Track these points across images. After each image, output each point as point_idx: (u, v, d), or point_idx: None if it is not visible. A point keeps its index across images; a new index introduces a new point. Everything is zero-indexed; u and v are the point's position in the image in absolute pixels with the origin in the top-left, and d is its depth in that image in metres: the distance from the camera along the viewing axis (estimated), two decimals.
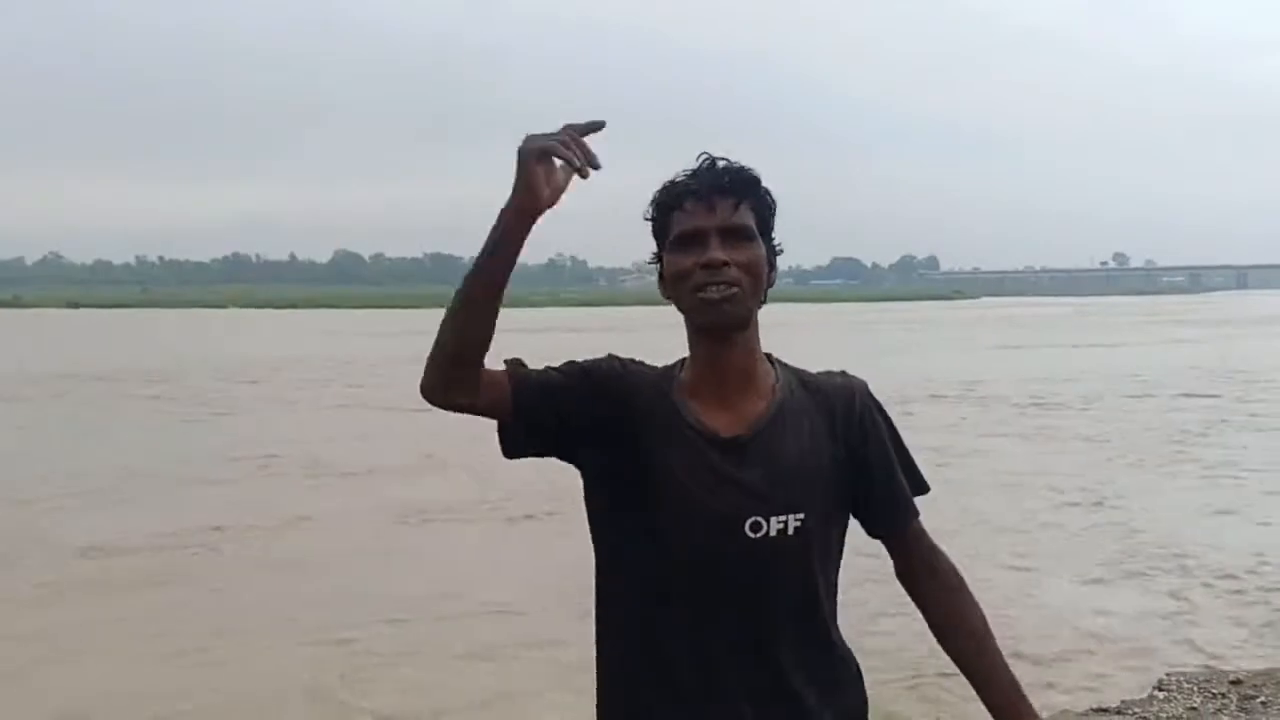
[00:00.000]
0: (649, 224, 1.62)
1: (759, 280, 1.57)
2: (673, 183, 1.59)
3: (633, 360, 1.67)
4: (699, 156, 1.58)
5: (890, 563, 1.72)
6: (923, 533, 1.70)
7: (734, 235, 1.54)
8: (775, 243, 1.61)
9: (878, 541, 1.71)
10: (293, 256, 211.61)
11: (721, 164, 1.57)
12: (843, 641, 1.65)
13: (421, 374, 1.53)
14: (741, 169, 1.57)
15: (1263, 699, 4.93)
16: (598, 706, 1.66)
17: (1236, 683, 5.16)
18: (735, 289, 1.53)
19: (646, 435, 1.57)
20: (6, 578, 7.27)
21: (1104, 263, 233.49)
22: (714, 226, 1.53)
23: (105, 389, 19.83)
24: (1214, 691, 5.06)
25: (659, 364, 1.67)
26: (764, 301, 1.60)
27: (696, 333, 1.59)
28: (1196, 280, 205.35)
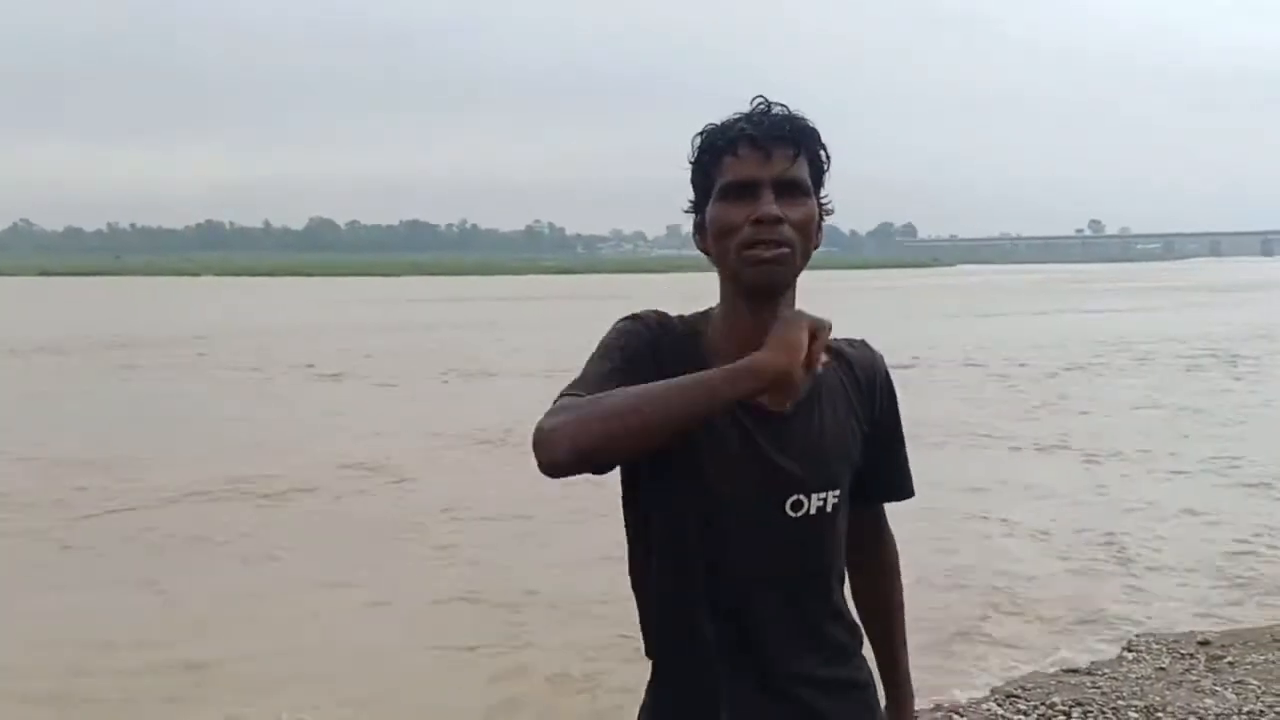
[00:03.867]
0: (690, 168, 1.48)
1: (809, 240, 1.45)
2: (725, 124, 1.45)
3: (656, 318, 1.51)
4: (754, 100, 1.45)
5: None
6: (884, 511, 1.71)
7: (790, 189, 1.42)
8: (825, 200, 1.48)
9: None
10: (267, 224, 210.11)
11: (779, 110, 1.44)
12: (848, 610, 1.62)
13: (563, 427, 1.33)
14: (802, 118, 1.45)
15: (1230, 659, 4.99)
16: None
17: (1204, 643, 5.22)
18: (786, 249, 1.41)
19: None
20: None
21: (1079, 230, 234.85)
22: (769, 178, 1.41)
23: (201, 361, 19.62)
24: (1182, 652, 5.12)
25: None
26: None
27: (737, 292, 1.46)
28: (1170, 247, 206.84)
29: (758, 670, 1.49)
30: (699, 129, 1.48)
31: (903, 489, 1.67)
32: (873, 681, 1.62)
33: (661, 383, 1.33)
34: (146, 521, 7.90)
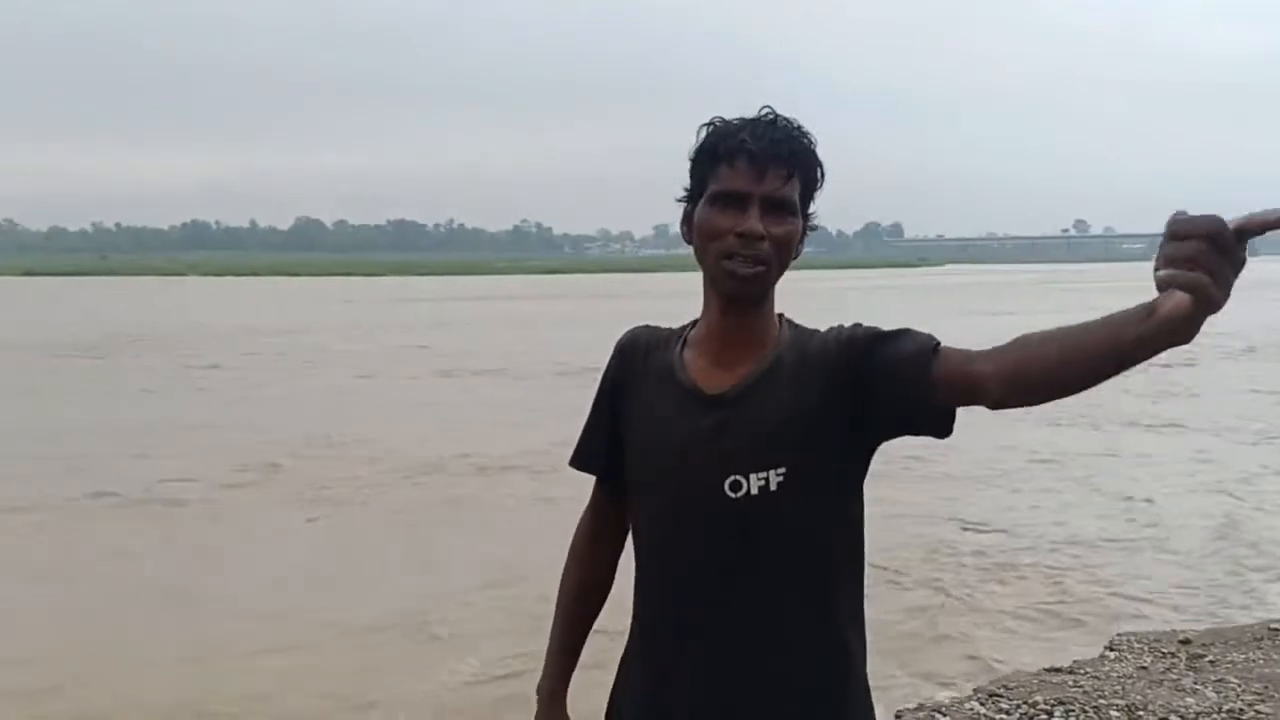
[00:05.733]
0: (689, 160, 1.52)
1: (788, 256, 1.49)
2: (728, 130, 1.47)
3: (629, 335, 1.66)
4: (761, 109, 1.48)
5: None
6: (956, 357, 1.37)
7: (777, 208, 1.45)
8: (811, 214, 1.52)
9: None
10: (253, 223, 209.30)
11: (783, 125, 1.47)
12: (848, 617, 1.52)
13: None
14: (802, 137, 1.48)
15: (1210, 658, 5.03)
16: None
17: (1185, 642, 5.26)
18: (763, 267, 1.46)
19: (637, 397, 1.59)
20: None
21: (1065, 230, 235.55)
22: (760, 194, 1.44)
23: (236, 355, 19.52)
24: (1164, 651, 5.16)
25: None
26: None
27: (713, 292, 1.54)
28: (1154, 247, 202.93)
29: (700, 655, 1.50)
30: (705, 120, 1.51)
31: (919, 362, 1.39)
32: (826, 695, 1.51)
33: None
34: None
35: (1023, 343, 1.28)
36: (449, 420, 12.31)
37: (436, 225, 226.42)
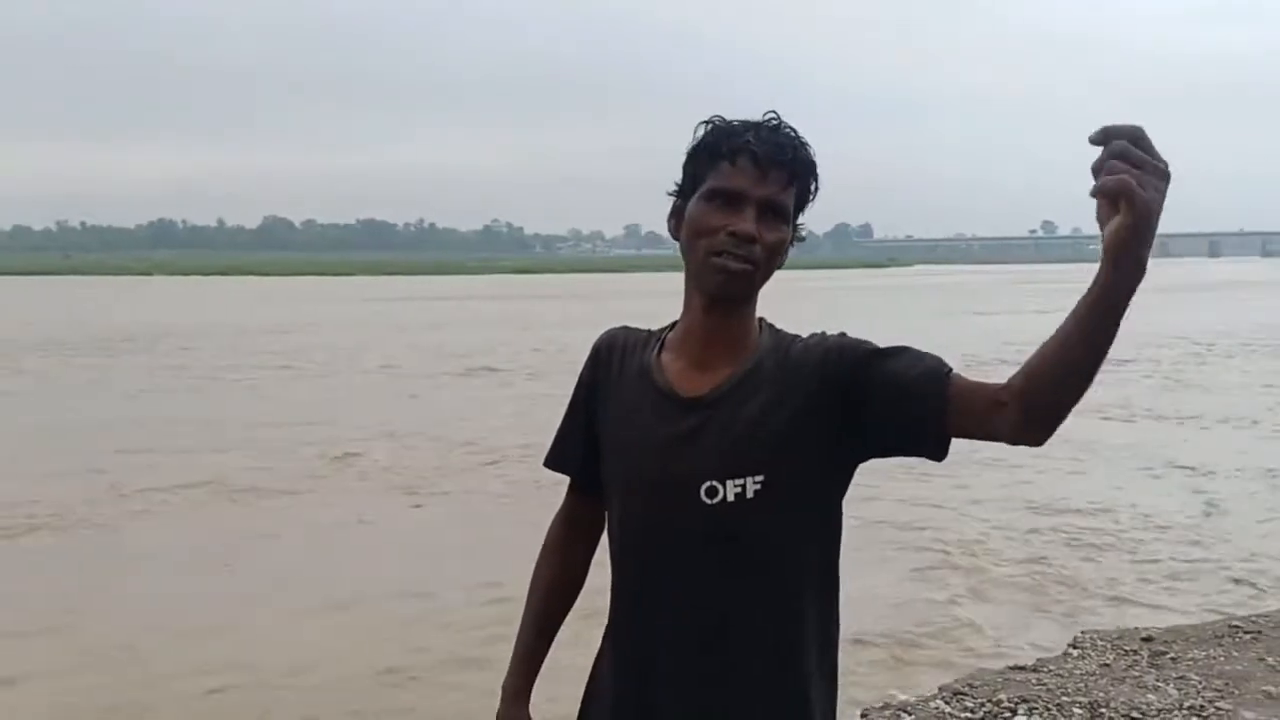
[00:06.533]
0: (686, 155, 1.51)
1: (775, 263, 1.49)
2: (732, 129, 1.47)
3: (607, 336, 1.65)
4: (766, 114, 1.47)
5: None
6: (971, 381, 1.38)
7: (772, 213, 1.45)
8: (800, 224, 1.52)
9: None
10: (221, 222, 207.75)
11: (786, 131, 1.47)
12: (817, 635, 1.49)
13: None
14: (805, 146, 1.48)
15: (1172, 655, 5.07)
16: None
17: (1148, 640, 5.30)
18: (751, 268, 1.45)
19: (614, 399, 1.58)
20: None
21: (1033, 231, 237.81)
22: (758, 196, 1.44)
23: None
24: (1126, 649, 5.19)
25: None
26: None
27: (697, 290, 1.51)
28: None
29: (670, 659, 1.49)
30: (705, 119, 1.51)
31: (923, 439, 1.41)
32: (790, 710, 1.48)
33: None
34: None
35: (1029, 365, 1.30)
36: (521, 414, 12.25)
37: (407, 225, 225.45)
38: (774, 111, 1.48)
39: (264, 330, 25.43)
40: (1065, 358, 1.25)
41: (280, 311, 33.61)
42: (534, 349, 20.13)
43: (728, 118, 1.50)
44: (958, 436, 1.39)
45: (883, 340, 1.49)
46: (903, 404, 1.38)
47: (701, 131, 1.50)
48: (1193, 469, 9.54)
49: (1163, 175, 1.14)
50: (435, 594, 6.23)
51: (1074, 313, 1.23)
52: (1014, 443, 1.34)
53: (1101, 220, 1.16)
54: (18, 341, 21.77)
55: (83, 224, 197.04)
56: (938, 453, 1.41)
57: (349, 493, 8.84)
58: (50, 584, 6.49)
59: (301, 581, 6.56)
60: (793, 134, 1.47)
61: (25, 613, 5.92)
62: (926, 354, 1.42)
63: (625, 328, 1.67)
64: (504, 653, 1.74)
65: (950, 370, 1.39)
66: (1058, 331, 1.26)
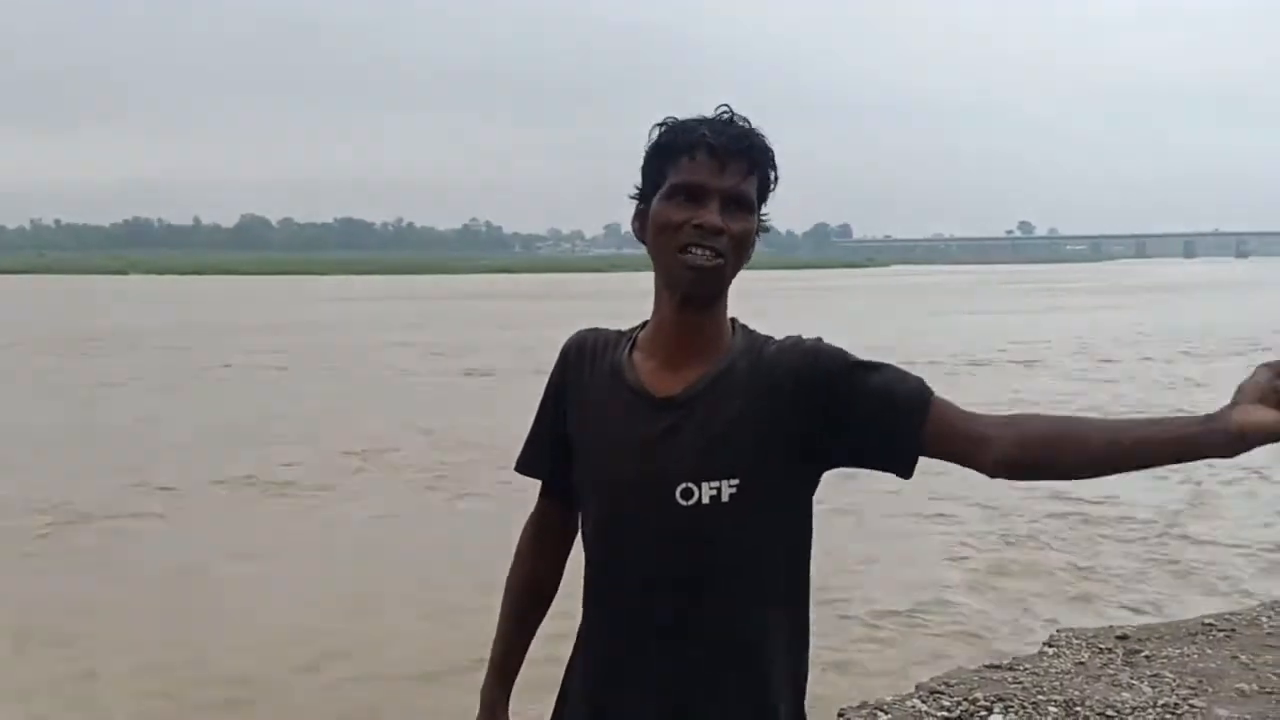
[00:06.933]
0: (644, 156, 1.50)
1: (743, 254, 1.48)
2: (686, 126, 1.46)
3: (576, 338, 1.62)
4: (718, 108, 1.47)
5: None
6: (955, 408, 1.42)
7: (736, 203, 1.44)
8: (764, 216, 1.51)
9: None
10: (197, 221, 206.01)
11: (740, 122, 1.47)
12: (788, 639, 1.49)
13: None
14: (760, 135, 1.47)
15: (1146, 653, 5.10)
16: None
17: (1123, 638, 5.33)
18: (721, 260, 1.44)
19: (585, 400, 1.55)
20: None
21: (1010, 231, 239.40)
22: (719, 188, 1.43)
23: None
24: (1101, 647, 5.22)
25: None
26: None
27: (668, 291, 1.49)
28: (1097, 248, 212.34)
29: (642, 661, 1.48)
30: (658, 120, 1.50)
31: (896, 455, 1.44)
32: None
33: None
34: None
35: (1051, 420, 1.37)
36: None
37: (385, 224, 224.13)
38: (726, 105, 1.48)
39: (255, 329, 25.23)
40: (1096, 456, 1.31)
41: (265, 310, 33.47)
42: (531, 349, 20.08)
43: (680, 117, 1.49)
44: (929, 457, 1.42)
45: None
46: (884, 418, 1.41)
47: (656, 133, 1.49)
48: (1170, 467, 9.59)
49: None
50: (453, 590, 6.18)
51: (1139, 432, 1.29)
52: (991, 477, 1.41)
53: (1255, 398, 1.19)
54: (17, 342, 21.58)
55: (57, 222, 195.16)
56: (906, 471, 1.44)
57: (374, 491, 8.88)
58: (105, 580, 6.63)
59: (329, 578, 6.64)
60: (746, 124, 1.47)
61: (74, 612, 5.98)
62: (909, 373, 1.44)
63: (594, 329, 1.65)
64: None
65: (933, 394, 1.42)
66: (1106, 428, 1.32)
